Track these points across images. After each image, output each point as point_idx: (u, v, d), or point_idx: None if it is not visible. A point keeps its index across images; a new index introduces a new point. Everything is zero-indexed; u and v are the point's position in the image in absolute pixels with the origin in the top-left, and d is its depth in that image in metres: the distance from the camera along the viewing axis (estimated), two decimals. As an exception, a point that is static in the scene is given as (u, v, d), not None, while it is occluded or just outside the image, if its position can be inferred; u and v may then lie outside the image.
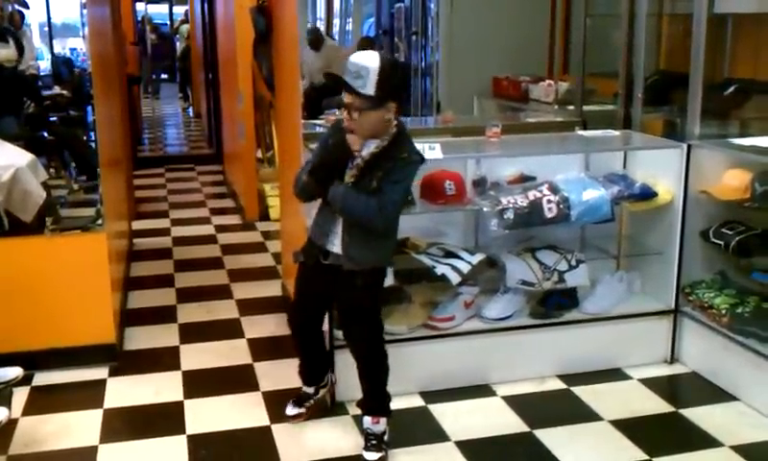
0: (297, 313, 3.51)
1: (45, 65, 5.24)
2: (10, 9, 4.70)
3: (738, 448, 3.34)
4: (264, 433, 3.50)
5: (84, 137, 4.78)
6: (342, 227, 3.13)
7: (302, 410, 3.57)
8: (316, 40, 7.59)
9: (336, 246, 3.17)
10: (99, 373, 4.07)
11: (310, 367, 3.59)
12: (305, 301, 3.44)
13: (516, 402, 3.71)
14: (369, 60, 2.91)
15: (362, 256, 3.13)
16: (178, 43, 18.43)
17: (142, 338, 4.55)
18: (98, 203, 4.25)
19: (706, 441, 3.42)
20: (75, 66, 5.16)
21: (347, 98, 2.94)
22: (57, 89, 5.16)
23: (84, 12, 4.33)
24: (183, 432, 3.51)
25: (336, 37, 9.19)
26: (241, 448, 3.39)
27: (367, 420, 3.31)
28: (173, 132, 14.41)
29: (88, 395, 3.86)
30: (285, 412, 3.58)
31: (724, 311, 3.85)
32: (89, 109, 4.38)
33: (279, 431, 3.50)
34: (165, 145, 12.89)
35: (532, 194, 3.86)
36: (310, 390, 3.59)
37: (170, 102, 17.42)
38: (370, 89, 2.92)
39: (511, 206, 3.78)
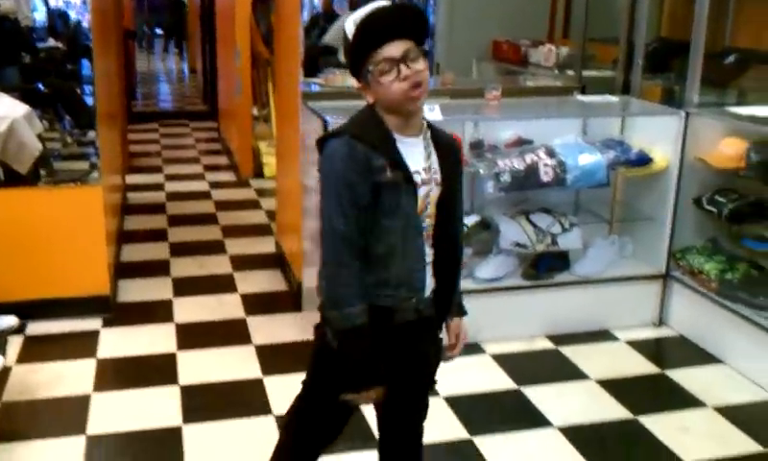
0: (332, 423, 2.24)
1: (40, 17, 5.19)
2: (6, -43, 4.65)
3: (721, 409, 3.40)
4: (256, 385, 3.53)
5: (79, 91, 4.75)
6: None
7: None
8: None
9: (428, 288, 2.08)
10: (92, 324, 4.10)
11: None
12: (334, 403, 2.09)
13: (504, 361, 3.75)
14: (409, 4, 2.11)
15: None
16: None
17: (136, 291, 4.58)
18: (93, 156, 4.25)
19: (689, 401, 3.47)
20: (70, 19, 5.12)
21: (400, 47, 1.91)
22: (52, 42, 5.12)
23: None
24: (176, 383, 3.54)
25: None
26: (234, 398, 3.43)
27: None
28: (167, 87, 14.34)
29: (82, 345, 3.88)
30: None
31: (713, 277, 3.89)
32: (84, 62, 4.37)
33: (272, 383, 3.54)
34: (159, 100, 12.84)
35: (529, 157, 3.88)
36: None
37: (164, 56, 17.30)
38: (412, 18, 1.98)
39: (507, 168, 3.80)
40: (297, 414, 2.28)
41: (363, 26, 1.94)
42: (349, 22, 1.97)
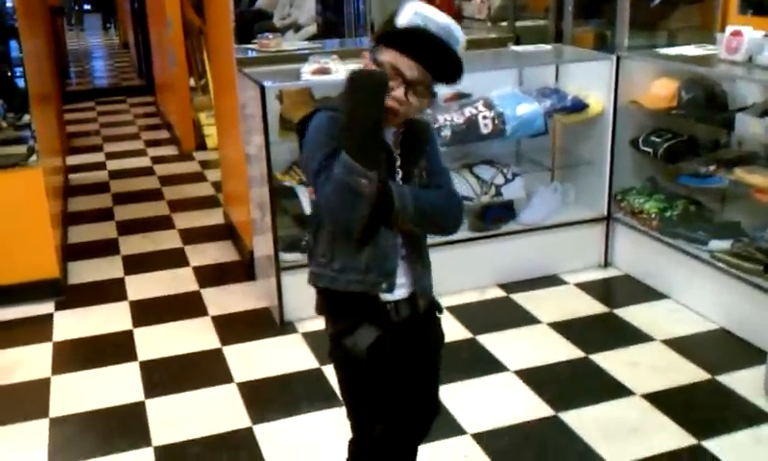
0: (392, 442, 2.13)
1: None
2: None
3: (668, 342, 3.53)
4: (216, 355, 3.57)
5: (9, 73, 4.65)
6: (406, 250, 1.99)
7: None
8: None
9: (404, 286, 2.00)
10: (45, 308, 4.07)
11: None
12: (408, 412, 2.13)
13: (458, 312, 3.84)
14: (457, 29, 1.89)
15: (429, 282, 2.08)
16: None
17: (86, 272, 4.55)
18: (31, 139, 4.18)
19: (638, 337, 3.60)
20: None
21: (414, 71, 1.83)
22: (-26, 25, 4.98)
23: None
24: (135, 359, 3.55)
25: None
26: (194, 370, 3.46)
27: None
28: (100, 64, 14.04)
29: (36, 329, 3.87)
30: None
31: (653, 215, 4.02)
32: (12, 43, 4.27)
33: (231, 352, 3.58)
34: (94, 78, 12.59)
35: (468, 111, 3.95)
36: None
37: (95, 33, 16.93)
38: (451, 70, 1.88)
39: (448, 123, 3.86)
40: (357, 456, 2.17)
41: (411, 29, 1.84)
42: (411, 8, 1.86)
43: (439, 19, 1.85)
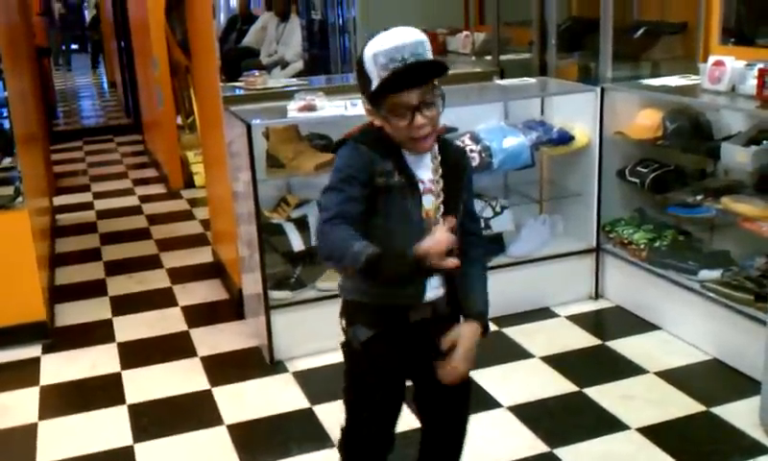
0: (376, 432, 2.23)
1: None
2: None
3: (661, 374, 3.51)
4: (205, 397, 3.52)
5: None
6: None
7: None
8: (285, 10, 7.47)
9: (435, 287, 2.09)
10: (32, 351, 4.02)
11: None
12: (389, 405, 2.21)
13: (450, 348, 3.80)
14: (418, 33, 1.97)
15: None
16: (86, 12, 18.00)
17: (74, 314, 4.51)
18: (17, 180, 4.16)
19: (631, 369, 3.58)
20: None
21: (413, 95, 1.92)
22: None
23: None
24: (124, 402, 3.51)
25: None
26: (183, 412, 3.41)
27: None
28: (88, 103, 14.05)
29: (23, 373, 3.82)
30: None
31: (642, 246, 4.02)
32: (-2, 84, 4.27)
33: (221, 393, 3.53)
34: (81, 117, 12.58)
35: (455, 145, 3.95)
36: None
37: (83, 73, 16.96)
38: (435, 69, 1.99)
39: (435, 157, 3.86)
40: (347, 444, 2.29)
41: (388, 73, 1.92)
42: (369, 50, 1.94)
43: (396, 42, 1.91)
